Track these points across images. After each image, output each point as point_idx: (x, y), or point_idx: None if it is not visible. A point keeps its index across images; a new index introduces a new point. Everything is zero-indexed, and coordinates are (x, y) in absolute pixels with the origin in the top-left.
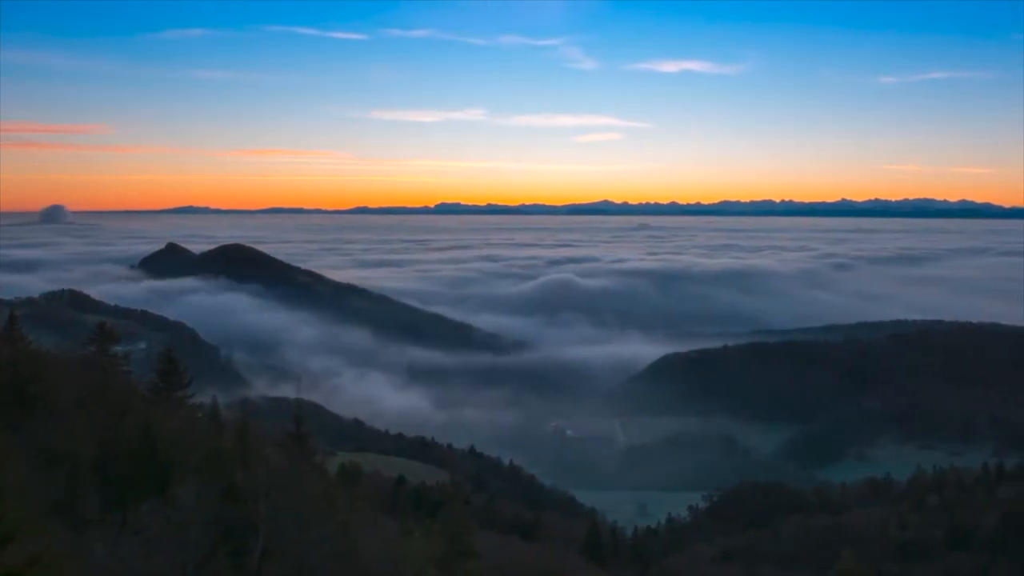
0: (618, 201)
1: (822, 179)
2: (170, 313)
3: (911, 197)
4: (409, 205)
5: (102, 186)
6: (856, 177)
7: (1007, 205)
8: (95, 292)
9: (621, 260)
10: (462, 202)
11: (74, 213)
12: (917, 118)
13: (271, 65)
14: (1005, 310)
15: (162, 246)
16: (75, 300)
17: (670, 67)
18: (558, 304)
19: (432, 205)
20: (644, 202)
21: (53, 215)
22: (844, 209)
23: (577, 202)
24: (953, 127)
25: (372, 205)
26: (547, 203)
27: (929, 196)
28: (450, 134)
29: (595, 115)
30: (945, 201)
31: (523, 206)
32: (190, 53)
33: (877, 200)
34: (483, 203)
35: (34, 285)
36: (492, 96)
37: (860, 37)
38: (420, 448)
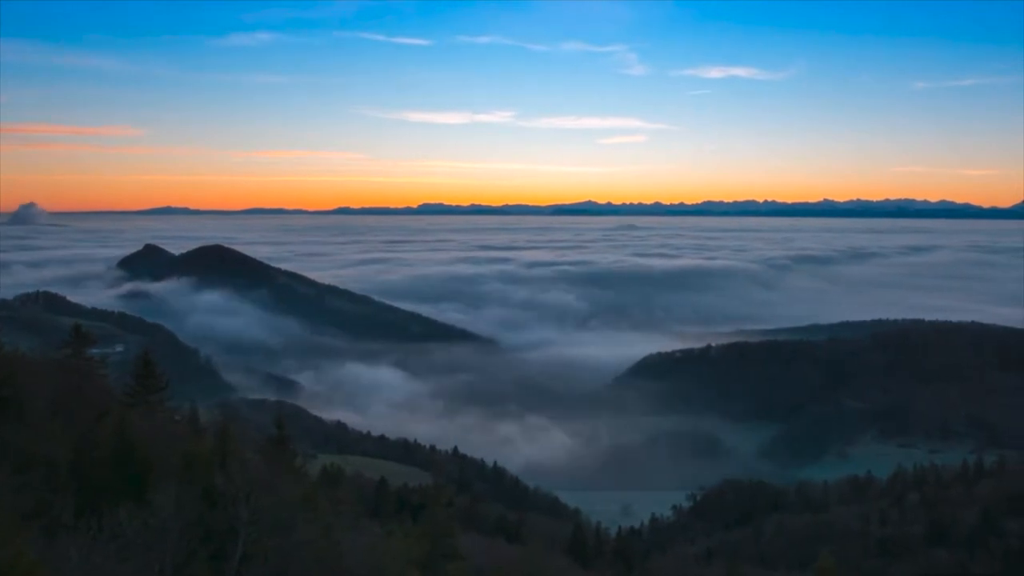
0: (602, 201)
1: (808, 180)
2: (148, 315)
3: (892, 197)
4: (392, 205)
5: (95, 186)
6: (838, 178)
7: (986, 205)
8: (71, 294)
9: (604, 261)
10: (445, 202)
11: (49, 214)
12: (911, 121)
13: (326, 69)
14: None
15: (140, 247)
16: (50, 302)
17: (716, 73)
18: (540, 304)
19: (415, 205)
20: (627, 202)
21: (26, 216)
22: (826, 209)
23: (561, 203)
24: (941, 130)
25: (354, 205)
26: (531, 203)
27: (910, 196)
28: (476, 136)
29: (622, 117)
30: (926, 201)
31: (507, 207)
32: (245, 57)
33: (859, 200)
34: (466, 203)
35: (8, 287)
36: (523, 98)
37: (890, 43)
38: (403, 450)
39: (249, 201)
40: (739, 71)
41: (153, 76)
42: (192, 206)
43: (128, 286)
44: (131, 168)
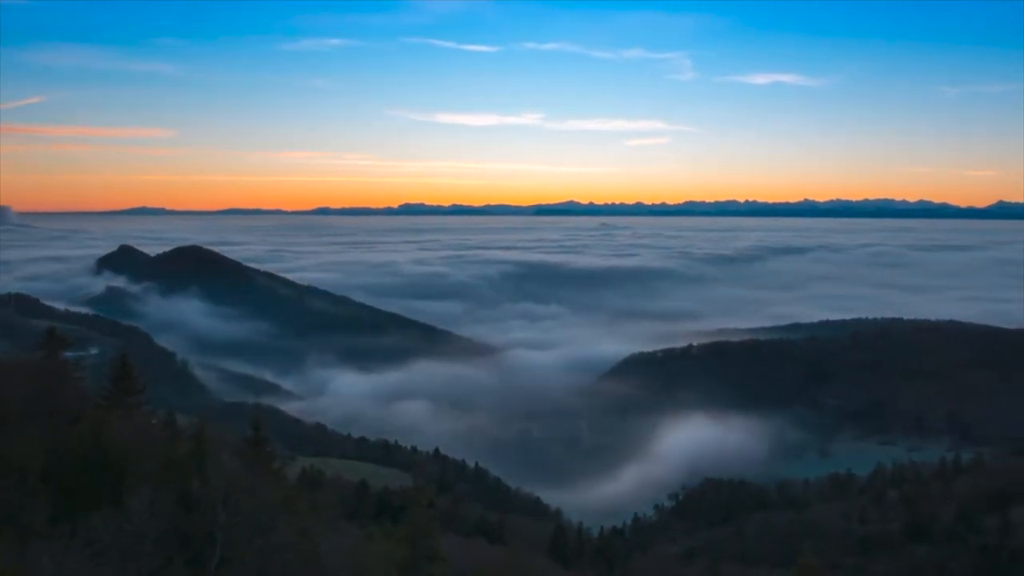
0: (584, 202)
1: (790, 180)
2: (123, 317)
3: (871, 197)
4: (372, 205)
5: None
6: (818, 178)
7: (964, 205)
8: (44, 296)
9: (582, 260)
10: (426, 203)
11: (20, 214)
12: (896, 123)
13: (373, 74)
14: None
15: (115, 248)
16: (23, 305)
17: (761, 79)
18: (523, 304)
19: (396, 206)
20: (610, 202)
21: None
22: (807, 209)
23: (543, 203)
24: (923, 132)
25: (334, 205)
26: (513, 203)
27: (889, 196)
28: (498, 137)
29: (649, 120)
30: (904, 201)
31: (488, 206)
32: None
33: (839, 200)
34: (447, 204)
35: None
36: (557, 100)
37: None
38: (383, 452)
39: (226, 202)
40: (784, 77)
41: (179, 79)
42: (168, 206)
43: (103, 288)
44: (137, 169)
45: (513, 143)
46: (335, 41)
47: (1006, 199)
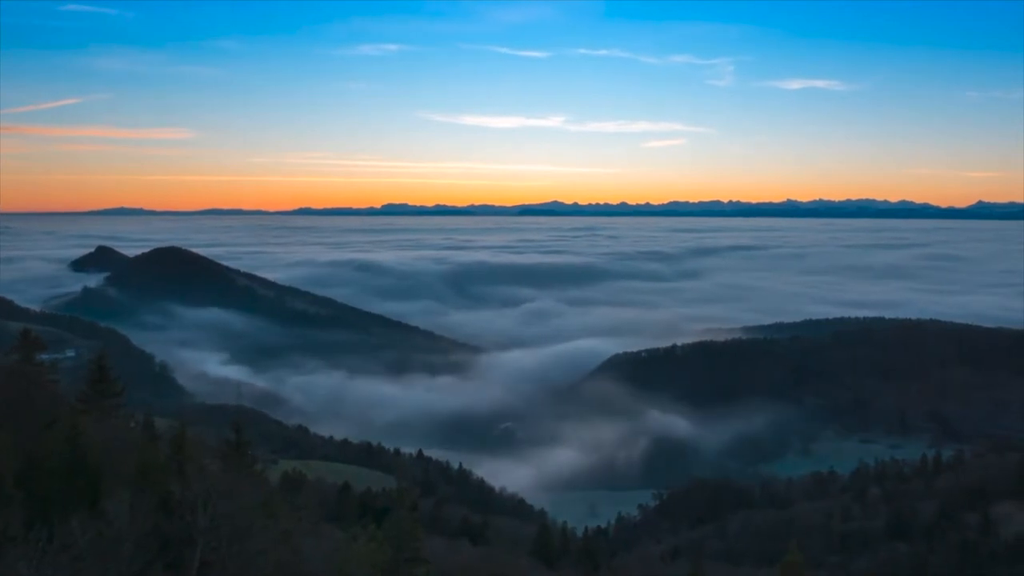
0: (568, 202)
1: (775, 180)
2: (101, 319)
3: (854, 197)
4: (355, 206)
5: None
6: (803, 179)
7: (944, 205)
8: (19, 298)
9: (566, 259)
10: (409, 203)
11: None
12: (881, 124)
13: (419, 77)
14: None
15: (92, 249)
16: None
17: (796, 84)
18: (504, 303)
19: (379, 206)
20: (593, 203)
21: None
22: (789, 209)
23: (527, 203)
24: (908, 133)
25: (317, 206)
26: (497, 204)
27: (871, 196)
28: (516, 139)
29: (667, 122)
30: (886, 201)
31: (472, 207)
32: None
33: (821, 200)
34: (431, 204)
35: None
36: (579, 103)
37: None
38: (366, 453)
39: (208, 202)
40: (819, 83)
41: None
42: (147, 206)
43: (80, 289)
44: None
45: (523, 144)
46: (392, 47)
47: (986, 199)
